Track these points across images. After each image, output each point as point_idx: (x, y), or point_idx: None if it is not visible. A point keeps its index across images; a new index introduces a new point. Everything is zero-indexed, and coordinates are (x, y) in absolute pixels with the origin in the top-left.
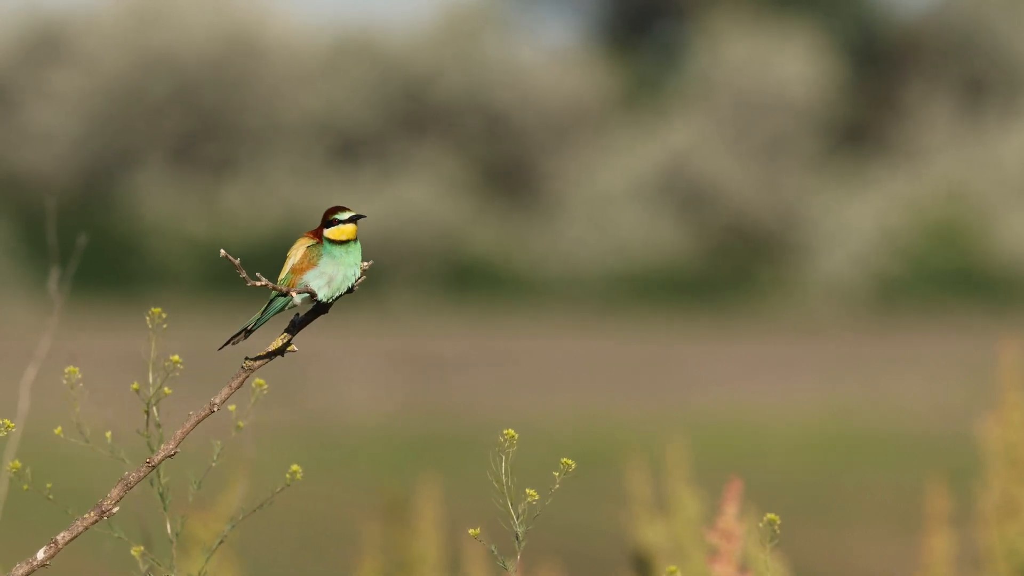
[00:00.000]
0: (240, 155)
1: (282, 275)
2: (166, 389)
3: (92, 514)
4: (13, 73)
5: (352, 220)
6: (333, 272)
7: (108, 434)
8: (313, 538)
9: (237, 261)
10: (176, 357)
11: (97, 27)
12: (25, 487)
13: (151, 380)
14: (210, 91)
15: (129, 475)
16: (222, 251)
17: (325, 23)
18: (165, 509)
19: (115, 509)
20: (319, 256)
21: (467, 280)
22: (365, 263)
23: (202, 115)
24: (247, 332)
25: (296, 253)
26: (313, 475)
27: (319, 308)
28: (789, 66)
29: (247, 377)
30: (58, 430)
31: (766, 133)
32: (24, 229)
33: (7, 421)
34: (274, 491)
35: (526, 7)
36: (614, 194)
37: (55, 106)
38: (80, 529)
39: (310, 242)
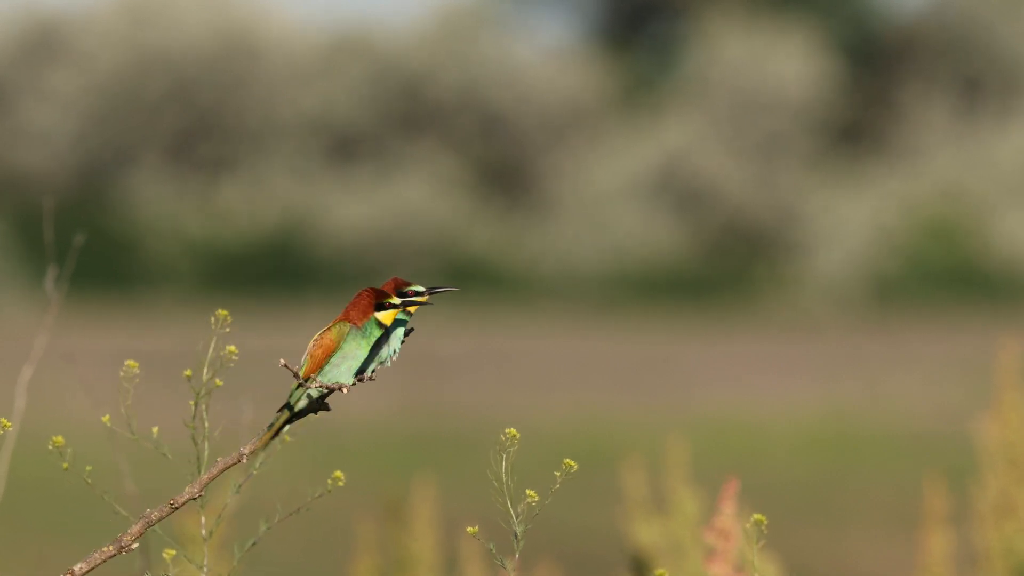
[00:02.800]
0: (237, 154)
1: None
2: (217, 381)
3: (111, 548)
4: (10, 72)
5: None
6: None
7: (155, 429)
8: (311, 537)
9: (296, 369)
10: (232, 347)
11: (94, 26)
12: (65, 466)
13: (204, 375)
14: (207, 90)
15: (151, 513)
16: (282, 361)
17: (322, 22)
18: (202, 508)
19: (134, 545)
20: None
21: (464, 279)
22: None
23: (199, 114)
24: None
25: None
26: (311, 474)
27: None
28: (786, 65)
29: (279, 431)
30: (106, 418)
31: (763, 132)
32: (21, 228)
33: (3, 420)
34: (312, 496)
35: (522, 6)
36: (611, 193)
37: (52, 105)
38: (98, 561)
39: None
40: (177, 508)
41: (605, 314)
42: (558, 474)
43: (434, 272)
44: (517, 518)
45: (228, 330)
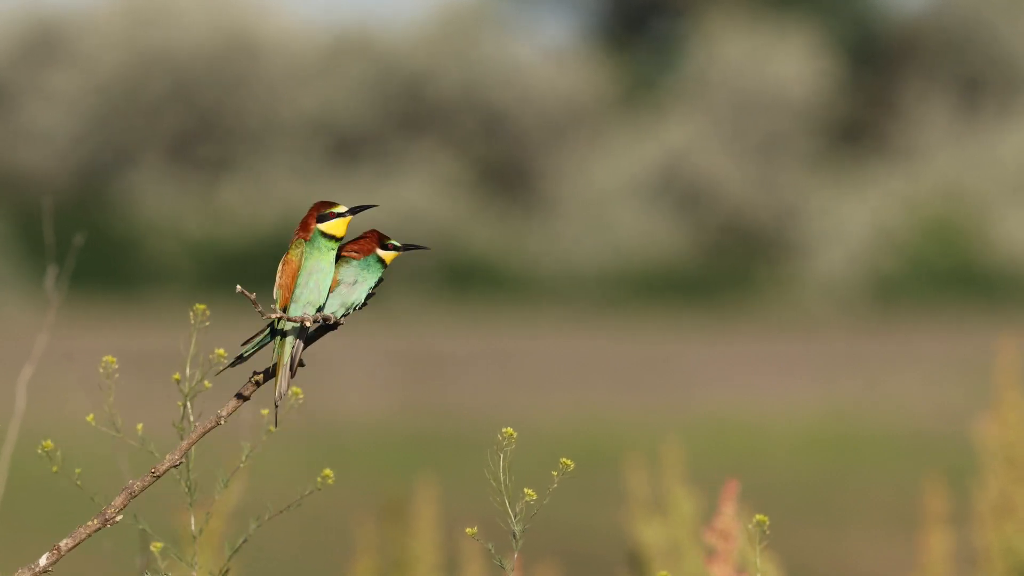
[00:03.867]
0: (238, 154)
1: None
2: (206, 383)
3: (95, 521)
4: (11, 72)
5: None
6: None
7: (139, 426)
8: (311, 537)
9: (253, 296)
10: (221, 351)
11: (94, 26)
12: (55, 469)
13: (187, 374)
14: (207, 90)
15: (133, 484)
16: (238, 287)
17: (322, 22)
18: (191, 505)
19: (119, 517)
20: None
21: (465, 279)
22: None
23: (199, 114)
24: (241, 358)
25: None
26: (312, 474)
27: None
28: (786, 64)
29: (255, 390)
30: (90, 417)
31: (763, 132)
32: (21, 228)
33: None
34: (302, 494)
35: (523, 6)
36: (611, 193)
37: (53, 105)
38: (83, 536)
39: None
40: (159, 476)
41: (605, 314)
42: (555, 473)
43: (435, 271)
44: (515, 517)
45: (207, 324)
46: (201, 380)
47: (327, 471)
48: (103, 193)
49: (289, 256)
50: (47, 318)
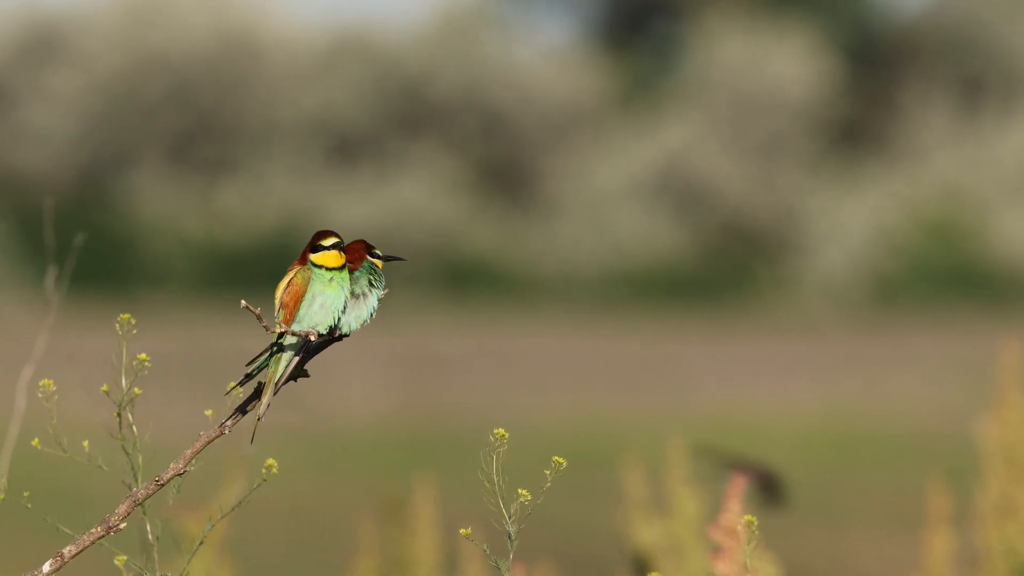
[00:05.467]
0: (237, 154)
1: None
2: (136, 390)
3: (99, 529)
4: (10, 72)
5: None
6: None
7: (86, 443)
8: (310, 538)
9: (258, 311)
10: (144, 355)
11: (94, 26)
12: (1, 496)
13: (123, 384)
14: (207, 90)
15: (137, 492)
16: (243, 302)
17: (322, 22)
18: (144, 514)
19: (122, 525)
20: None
21: (464, 279)
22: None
23: (199, 114)
24: (249, 376)
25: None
26: (310, 475)
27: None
28: (786, 65)
29: (256, 402)
30: (36, 442)
31: (763, 132)
32: (20, 228)
33: None
34: (252, 487)
35: (523, 6)
36: (611, 193)
37: (52, 105)
38: (86, 543)
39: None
40: (163, 485)
41: (605, 314)
42: (548, 472)
43: (434, 271)
44: (511, 518)
45: (135, 332)
46: (131, 388)
47: (270, 461)
48: (102, 194)
49: (295, 279)
50: (47, 319)
